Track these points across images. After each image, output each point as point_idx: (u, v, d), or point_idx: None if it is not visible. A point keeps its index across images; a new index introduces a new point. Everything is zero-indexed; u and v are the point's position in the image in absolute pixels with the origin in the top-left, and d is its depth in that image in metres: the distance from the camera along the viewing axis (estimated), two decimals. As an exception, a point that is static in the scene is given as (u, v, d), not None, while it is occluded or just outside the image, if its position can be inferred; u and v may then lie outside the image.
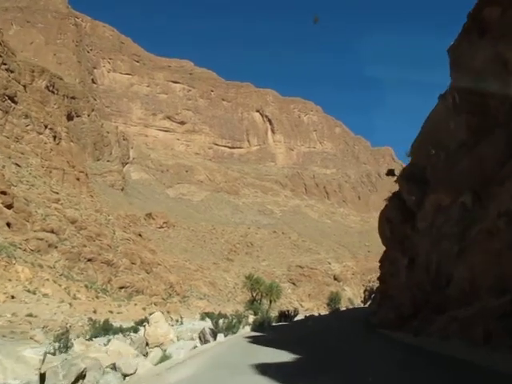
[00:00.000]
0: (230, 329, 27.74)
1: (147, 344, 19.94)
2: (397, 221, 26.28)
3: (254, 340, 21.10)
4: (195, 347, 18.68)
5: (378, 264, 39.98)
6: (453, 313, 14.80)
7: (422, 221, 20.97)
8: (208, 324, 29.98)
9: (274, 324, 36.16)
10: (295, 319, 44.35)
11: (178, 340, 21.27)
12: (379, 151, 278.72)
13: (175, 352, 15.75)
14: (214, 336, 22.10)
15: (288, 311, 46.87)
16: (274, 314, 49.92)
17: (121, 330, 37.52)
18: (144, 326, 27.72)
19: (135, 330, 36.98)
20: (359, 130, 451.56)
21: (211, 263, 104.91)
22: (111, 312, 52.83)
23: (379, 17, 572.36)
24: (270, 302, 55.64)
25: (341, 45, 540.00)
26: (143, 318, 49.67)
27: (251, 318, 38.38)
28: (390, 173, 28.89)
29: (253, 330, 29.56)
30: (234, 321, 33.31)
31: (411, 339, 16.47)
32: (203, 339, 21.56)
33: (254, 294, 55.12)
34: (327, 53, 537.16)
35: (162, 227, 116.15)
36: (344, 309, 67.51)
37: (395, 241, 26.70)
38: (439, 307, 16.48)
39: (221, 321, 30.56)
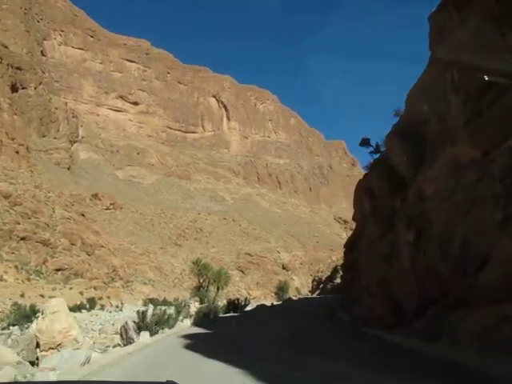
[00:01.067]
0: (163, 323, 21.39)
1: (38, 345, 14.51)
2: (382, 192, 21.81)
3: (194, 343, 15.59)
4: (88, 361, 12.16)
5: (343, 249, 37.91)
6: (496, 309, 10.17)
7: (431, 184, 16.06)
8: (133, 315, 22.66)
9: (221, 315, 32.14)
10: (246, 309, 40.52)
11: (92, 339, 15.73)
12: (332, 144, 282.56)
13: (40, 376, 9.67)
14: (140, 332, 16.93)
15: (238, 300, 42.96)
16: (221, 302, 48.11)
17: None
18: (37, 317, 21.09)
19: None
20: (314, 122, 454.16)
21: (158, 248, 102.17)
22: (42, 296, 48.75)
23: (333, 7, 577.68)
24: (218, 289, 53.54)
25: (297, 35, 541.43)
26: (79, 303, 46.73)
27: (195, 307, 35.35)
28: (365, 142, 25.72)
29: (195, 323, 24.75)
30: (170, 312, 26.60)
31: (419, 345, 12.36)
32: (125, 337, 16.58)
33: (201, 281, 53.29)
34: (284, 43, 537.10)
35: (108, 209, 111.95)
36: (296, 298, 62.49)
37: (379, 216, 22.04)
38: (464, 301, 12.20)
39: (150, 312, 22.47)
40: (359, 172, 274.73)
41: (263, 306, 47.38)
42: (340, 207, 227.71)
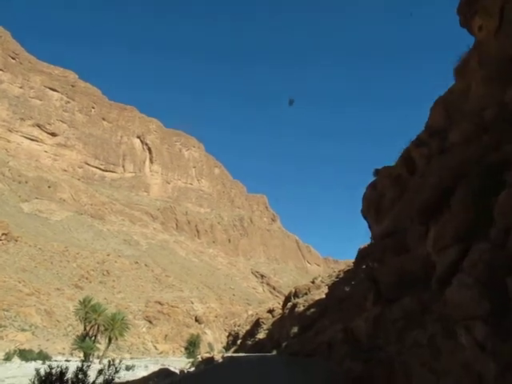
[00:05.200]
0: None
1: None
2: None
3: None
4: None
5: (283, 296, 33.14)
6: None
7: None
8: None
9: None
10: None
11: None
12: (254, 198, 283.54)
13: None
14: None
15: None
16: (114, 357, 37.83)
17: None
18: None
19: None
20: (237, 174, 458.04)
21: (54, 288, 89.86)
22: None
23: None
24: (110, 340, 43.15)
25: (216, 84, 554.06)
26: None
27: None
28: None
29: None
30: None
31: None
32: None
33: (88, 328, 42.77)
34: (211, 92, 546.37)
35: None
36: (218, 359, 36.18)
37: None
38: None
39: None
40: (278, 227, 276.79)
41: (166, 371, 27.28)
42: (258, 261, 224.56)
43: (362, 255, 31.84)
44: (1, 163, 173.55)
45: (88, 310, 40.82)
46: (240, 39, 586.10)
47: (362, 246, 33.36)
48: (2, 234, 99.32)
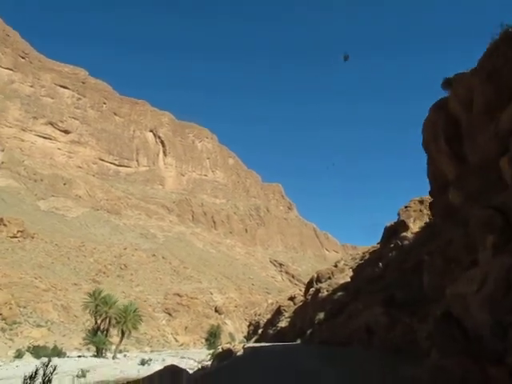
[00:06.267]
0: None
1: None
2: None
3: None
4: None
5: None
6: None
7: None
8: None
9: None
10: None
11: None
12: (269, 187, 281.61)
13: None
14: None
15: None
16: (128, 353, 34.65)
17: None
18: None
19: None
20: (252, 164, 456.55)
21: (71, 284, 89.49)
22: None
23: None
24: (123, 333, 40.70)
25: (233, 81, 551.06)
26: None
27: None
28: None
29: None
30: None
31: None
32: None
33: (99, 321, 40.46)
34: (224, 86, 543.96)
35: (15, 236, 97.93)
36: (238, 351, 32.35)
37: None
38: None
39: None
40: (295, 216, 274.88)
41: (172, 369, 21.30)
42: (276, 250, 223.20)
43: (390, 233, 29.92)
44: (16, 162, 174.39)
45: (98, 303, 38.85)
46: (253, 34, 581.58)
47: (388, 224, 31.43)
48: (18, 232, 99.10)
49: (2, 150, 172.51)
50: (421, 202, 27.82)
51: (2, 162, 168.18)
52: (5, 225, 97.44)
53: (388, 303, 16.89)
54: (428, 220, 26.31)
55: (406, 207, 28.41)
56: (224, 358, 29.04)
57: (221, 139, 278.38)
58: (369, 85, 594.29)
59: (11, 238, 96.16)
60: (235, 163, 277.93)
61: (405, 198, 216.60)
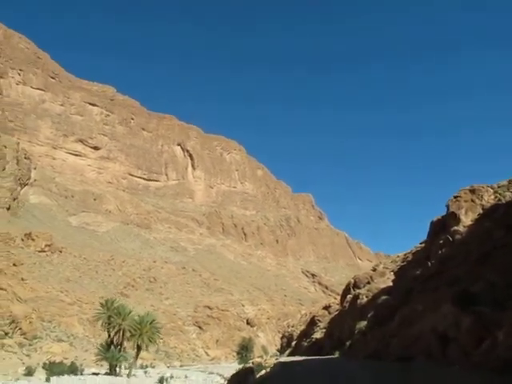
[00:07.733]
0: None
1: None
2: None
3: None
4: None
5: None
6: None
7: None
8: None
9: None
10: None
11: None
12: (299, 197, 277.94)
13: None
14: None
15: None
16: (153, 369, 30.02)
17: None
18: None
19: None
20: (281, 174, 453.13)
21: (98, 297, 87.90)
22: None
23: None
24: (138, 347, 36.48)
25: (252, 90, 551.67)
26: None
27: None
28: None
29: None
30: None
31: None
32: None
33: (112, 334, 36.70)
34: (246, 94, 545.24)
35: (43, 251, 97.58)
36: (269, 366, 29.07)
37: None
38: None
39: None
40: (326, 225, 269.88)
41: None
42: (307, 260, 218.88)
43: (438, 228, 26.48)
44: (48, 180, 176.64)
45: (111, 314, 35.50)
46: (281, 45, 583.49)
47: (435, 218, 27.98)
48: (46, 246, 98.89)
49: (35, 168, 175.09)
50: (472, 191, 24.38)
51: (35, 180, 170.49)
52: (33, 239, 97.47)
53: (461, 300, 13.38)
54: (482, 211, 22.95)
55: (455, 197, 24.93)
56: (244, 378, 24.78)
57: (249, 150, 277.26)
58: (396, 93, 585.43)
59: (39, 252, 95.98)
60: (264, 174, 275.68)
61: (439, 207, 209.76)
